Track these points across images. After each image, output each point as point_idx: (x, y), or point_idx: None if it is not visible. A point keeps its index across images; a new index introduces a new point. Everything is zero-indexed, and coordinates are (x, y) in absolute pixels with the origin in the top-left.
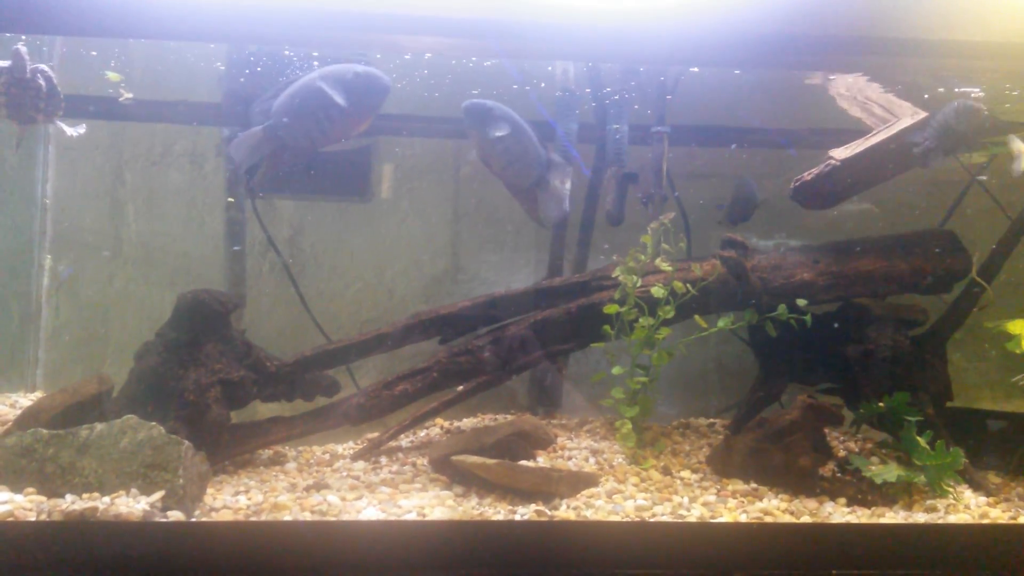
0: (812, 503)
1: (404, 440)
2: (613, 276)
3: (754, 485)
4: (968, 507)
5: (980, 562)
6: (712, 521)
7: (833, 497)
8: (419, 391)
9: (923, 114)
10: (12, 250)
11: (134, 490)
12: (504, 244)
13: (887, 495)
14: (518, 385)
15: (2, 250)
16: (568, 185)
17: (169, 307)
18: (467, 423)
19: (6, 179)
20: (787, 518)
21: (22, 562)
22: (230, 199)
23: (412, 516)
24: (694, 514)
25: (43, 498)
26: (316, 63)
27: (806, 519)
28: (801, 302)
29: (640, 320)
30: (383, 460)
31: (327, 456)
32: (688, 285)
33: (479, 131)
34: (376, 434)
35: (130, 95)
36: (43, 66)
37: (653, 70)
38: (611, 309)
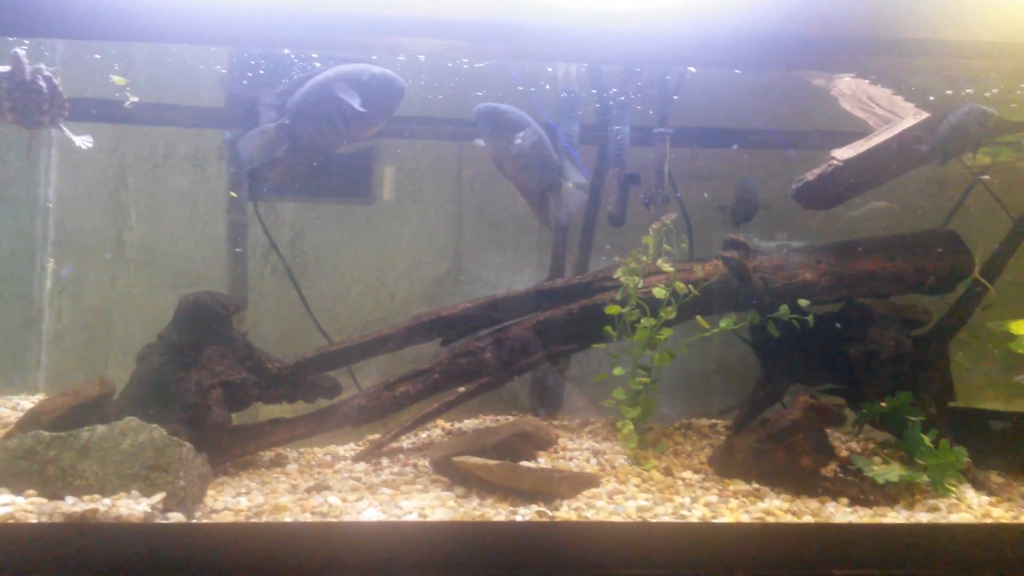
0: (814, 503)
1: (405, 441)
2: (615, 277)
3: (756, 485)
4: (970, 507)
5: (983, 562)
6: (714, 521)
7: (835, 497)
8: (420, 392)
9: (925, 115)
10: (15, 253)
11: (135, 492)
12: (506, 246)
13: (889, 495)
14: (520, 386)
15: (5, 253)
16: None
17: (171, 310)
18: (469, 424)
19: (9, 182)
20: (789, 518)
21: (23, 564)
22: (232, 194)
23: (413, 517)
24: (696, 514)
25: (44, 500)
26: (318, 63)
27: (808, 519)
28: (803, 302)
29: (642, 321)
30: (384, 461)
31: (328, 458)
32: (690, 286)
33: (493, 134)
34: (377, 435)
35: (135, 99)
36: (43, 67)
37: (655, 71)
38: (613, 310)
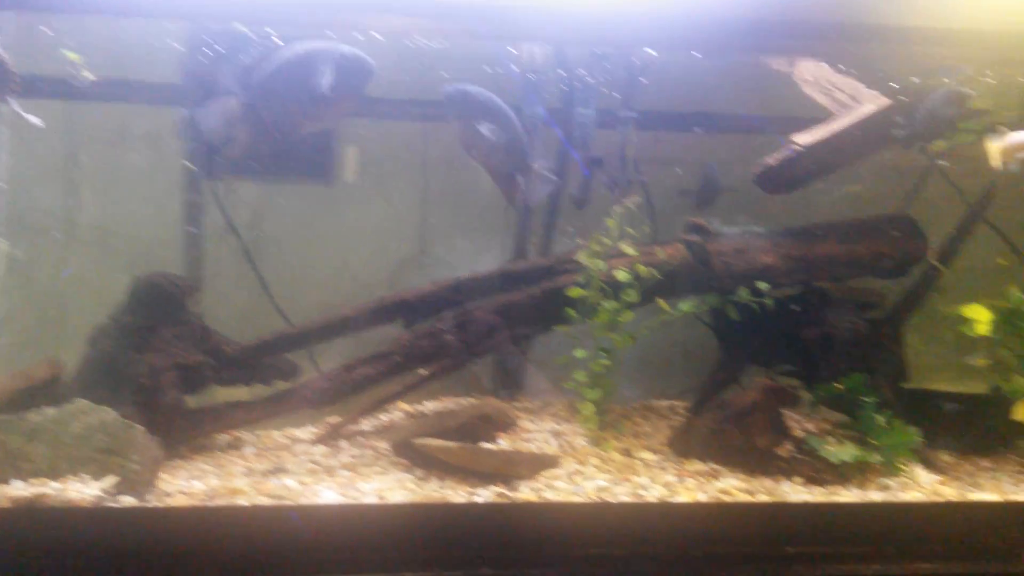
0: (769, 482)
1: (366, 424)
2: (577, 260)
3: (713, 465)
4: (921, 485)
5: (931, 538)
6: (671, 501)
7: (790, 476)
8: (381, 375)
9: (886, 101)
10: None
11: (86, 476)
12: (471, 228)
13: (843, 474)
14: (482, 368)
15: None
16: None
17: (126, 291)
18: (430, 406)
19: None
20: (744, 497)
21: None
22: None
23: (372, 499)
24: (653, 494)
25: None
26: (278, 40)
27: (763, 498)
28: (763, 286)
29: (604, 303)
30: (344, 444)
31: (287, 440)
32: (652, 269)
33: (460, 116)
34: (337, 418)
35: (91, 76)
36: None
37: (621, 53)
38: (575, 292)
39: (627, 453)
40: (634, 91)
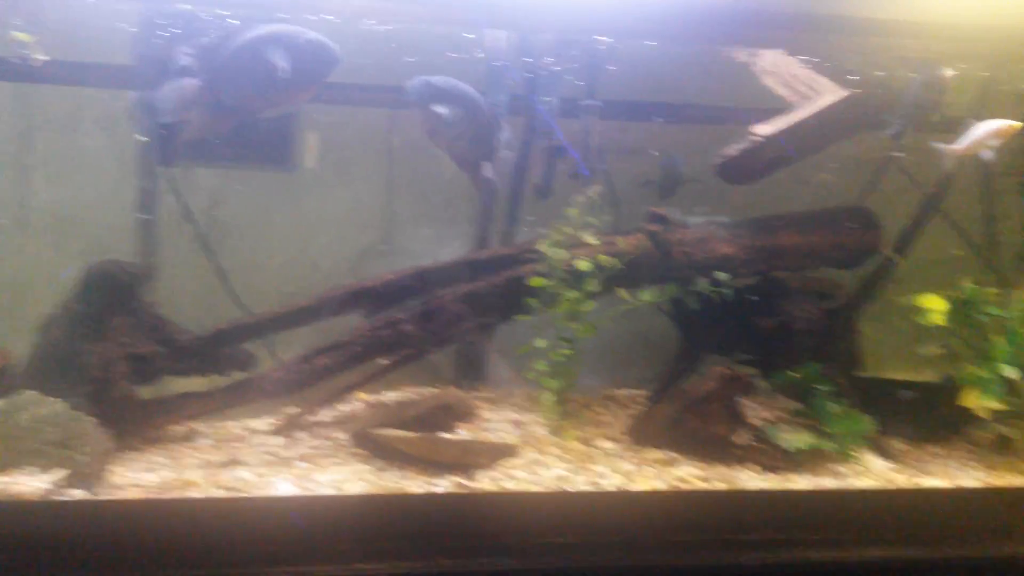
0: (726, 470)
1: (325, 415)
2: (539, 249)
3: (671, 454)
4: (873, 472)
5: (882, 525)
6: (628, 489)
7: (746, 464)
8: (340, 365)
9: (846, 92)
10: None
11: (34, 468)
12: (433, 217)
13: (797, 462)
14: (443, 358)
15: None
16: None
17: (78, 279)
18: (390, 396)
19: None
20: (701, 485)
21: None
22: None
23: (329, 491)
24: (612, 483)
25: None
26: (235, 21)
27: (719, 485)
28: (722, 276)
29: (565, 293)
30: (302, 435)
31: (244, 432)
32: (613, 258)
33: (425, 107)
34: (296, 409)
35: (42, 57)
36: None
37: (586, 42)
38: (537, 282)
39: (587, 442)
40: (597, 80)
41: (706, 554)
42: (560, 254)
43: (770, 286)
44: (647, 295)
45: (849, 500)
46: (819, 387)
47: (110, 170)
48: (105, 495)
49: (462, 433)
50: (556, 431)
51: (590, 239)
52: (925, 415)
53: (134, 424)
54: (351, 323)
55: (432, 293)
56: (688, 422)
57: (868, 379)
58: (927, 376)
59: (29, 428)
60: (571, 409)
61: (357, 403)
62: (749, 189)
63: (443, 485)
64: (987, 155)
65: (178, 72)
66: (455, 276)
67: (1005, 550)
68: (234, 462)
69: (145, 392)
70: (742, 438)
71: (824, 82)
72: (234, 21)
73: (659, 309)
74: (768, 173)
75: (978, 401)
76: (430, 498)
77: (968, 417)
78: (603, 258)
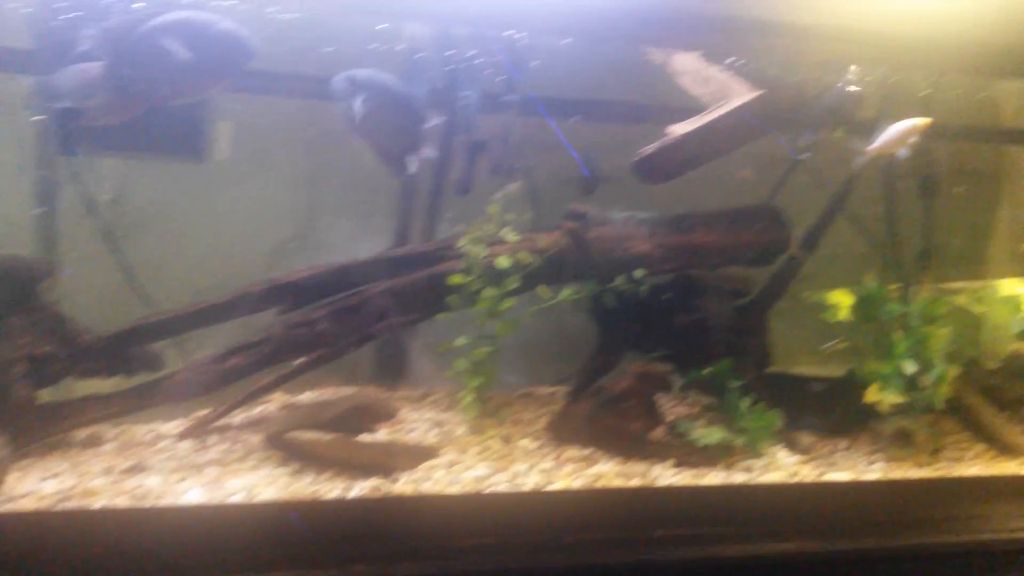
0: (642, 466)
1: (237, 417)
2: (459, 246)
3: (590, 451)
4: (782, 466)
5: (789, 517)
6: (546, 488)
7: (662, 460)
8: (252, 365)
9: (758, 93)
10: None
11: None
12: (353, 211)
13: (710, 457)
14: (362, 357)
15: None
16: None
17: None
18: (306, 397)
19: None
20: (619, 481)
21: None
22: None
23: (240, 497)
24: (531, 482)
25: None
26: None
27: (635, 482)
28: (639, 273)
29: (485, 291)
30: (213, 439)
31: (151, 436)
32: (533, 256)
33: (345, 102)
34: (207, 411)
35: None
36: None
37: (507, 37)
38: (457, 280)
39: (507, 441)
40: (518, 75)
41: (620, 552)
42: (480, 251)
43: (685, 284)
44: (567, 292)
45: (758, 494)
46: (731, 383)
47: (5, 159)
48: (3, 506)
49: (381, 434)
50: (476, 430)
51: (510, 236)
52: (832, 409)
53: (33, 429)
54: (266, 321)
55: (350, 290)
56: (606, 419)
57: (778, 374)
58: (833, 371)
59: None
60: (491, 407)
61: (271, 405)
62: (670, 186)
63: (361, 488)
64: (902, 153)
65: (80, 56)
66: (374, 273)
67: (907, 541)
68: (140, 468)
69: (45, 395)
70: (658, 434)
71: (736, 83)
72: (139, 4)
73: (579, 306)
74: (683, 172)
75: (880, 396)
76: (346, 502)
77: (872, 411)
78: (523, 255)
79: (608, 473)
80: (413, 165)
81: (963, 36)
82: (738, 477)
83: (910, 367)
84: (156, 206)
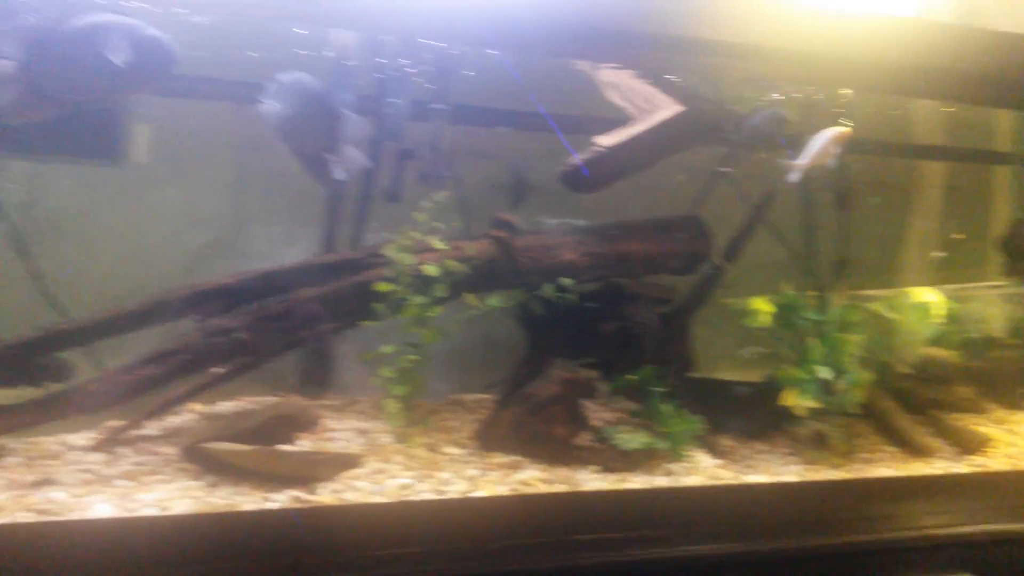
0: (567, 471)
1: (152, 429)
2: (386, 253)
3: (516, 457)
4: (702, 469)
5: (709, 519)
6: (470, 496)
7: (586, 465)
8: (167, 375)
9: (681, 108)
10: None
11: None
12: (277, 216)
13: (634, 461)
14: (286, 365)
15: None
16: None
17: None
18: (225, 407)
19: None
20: (544, 487)
21: None
22: None
23: (152, 511)
24: (456, 489)
25: None
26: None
27: (560, 487)
28: (566, 281)
29: (412, 298)
30: (125, 451)
31: (59, 448)
32: (461, 264)
33: (270, 104)
34: (120, 422)
35: None
36: None
37: (437, 46)
38: (383, 287)
39: (433, 449)
40: (447, 84)
41: (543, 558)
42: (407, 259)
43: (611, 292)
44: (494, 300)
45: (679, 497)
46: (654, 388)
47: None
48: None
49: (303, 444)
50: (402, 438)
51: (438, 244)
52: (752, 413)
53: None
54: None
55: (273, 298)
56: (532, 425)
57: (700, 380)
58: (753, 376)
59: None
60: (418, 415)
61: (188, 415)
62: (600, 196)
63: (280, 500)
64: (831, 162)
65: None
66: (299, 280)
67: (822, 541)
68: (47, 482)
69: None
70: (583, 440)
71: (661, 97)
72: (53, 4)
73: (507, 314)
74: (610, 182)
75: (796, 400)
76: (264, 515)
77: (790, 415)
78: (450, 263)
79: (533, 479)
80: (334, 171)
81: (875, 57)
82: (660, 480)
83: (825, 372)
84: (70, 210)
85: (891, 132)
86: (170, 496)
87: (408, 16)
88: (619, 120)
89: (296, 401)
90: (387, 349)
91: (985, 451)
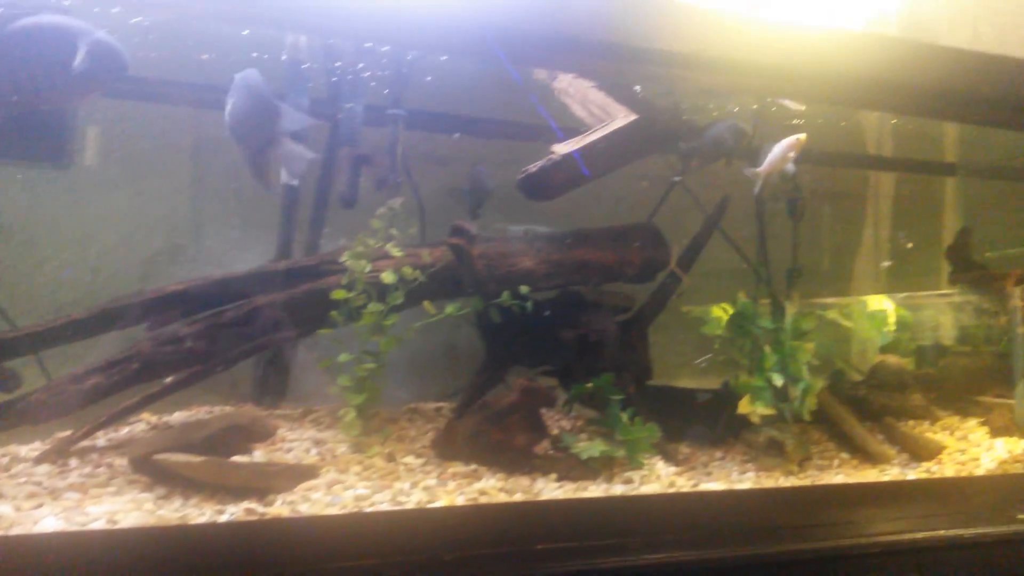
0: (526, 480)
1: (102, 439)
2: (342, 260)
3: (474, 466)
4: (659, 477)
5: (667, 527)
6: (428, 506)
7: (546, 474)
8: (116, 384)
9: (635, 116)
10: None
11: None
12: (232, 222)
13: (593, 469)
14: (240, 375)
15: None
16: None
17: None
18: (177, 417)
19: None
20: (502, 497)
21: None
22: None
23: (101, 524)
24: (414, 499)
25: None
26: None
27: (519, 496)
28: (524, 289)
29: (369, 306)
30: (74, 462)
31: (5, 459)
32: (417, 271)
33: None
34: (68, 433)
35: None
36: None
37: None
38: (339, 295)
39: (390, 458)
40: (404, 89)
41: (502, 568)
42: (363, 266)
43: (569, 300)
44: (451, 308)
45: (637, 505)
46: (612, 397)
47: None
48: None
49: (257, 455)
50: (359, 448)
51: (394, 251)
52: (709, 421)
53: None
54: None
55: (225, 306)
56: (491, 434)
57: (658, 388)
58: (711, 384)
59: None
60: (375, 424)
61: (139, 425)
62: (557, 203)
63: (233, 512)
64: (790, 168)
65: None
66: (253, 287)
67: (776, 548)
68: None
69: None
70: (542, 448)
71: (616, 106)
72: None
73: (466, 321)
74: (567, 190)
75: (751, 407)
76: (215, 528)
77: (747, 422)
78: (407, 270)
79: (492, 488)
80: (275, 175)
81: (825, 69)
82: (618, 489)
83: (778, 380)
84: (16, 214)
85: (843, 143)
86: (120, 509)
87: (361, 20)
88: (575, 129)
89: (250, 411)
90: (343, 358)
91: (939, 458)
